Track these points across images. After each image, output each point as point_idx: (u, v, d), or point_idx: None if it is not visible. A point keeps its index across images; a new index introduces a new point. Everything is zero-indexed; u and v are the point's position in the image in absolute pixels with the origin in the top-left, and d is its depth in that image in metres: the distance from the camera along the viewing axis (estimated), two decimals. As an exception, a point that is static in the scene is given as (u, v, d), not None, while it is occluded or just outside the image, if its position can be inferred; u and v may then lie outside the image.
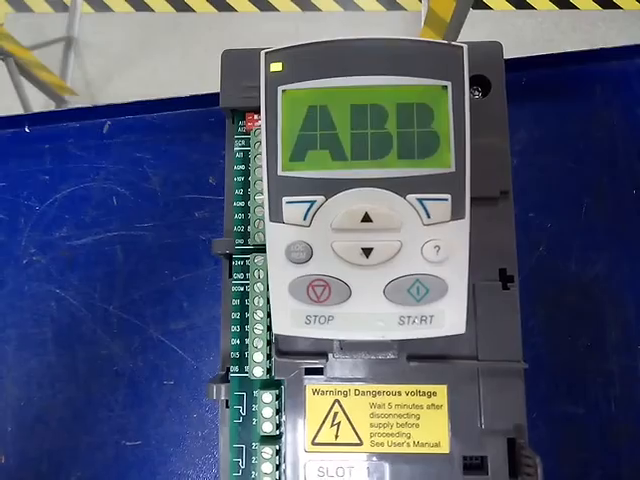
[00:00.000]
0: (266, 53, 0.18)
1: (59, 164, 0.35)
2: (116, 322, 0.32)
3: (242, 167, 0.23)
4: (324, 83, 0.18)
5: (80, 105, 0.35)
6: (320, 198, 0.18)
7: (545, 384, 0.29)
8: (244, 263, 0.22)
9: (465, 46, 0.18)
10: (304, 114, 0.18)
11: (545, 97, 0.33)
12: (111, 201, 0.33)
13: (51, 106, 1.00)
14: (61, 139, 0.35)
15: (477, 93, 0.22)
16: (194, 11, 1.07)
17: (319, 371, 0.21)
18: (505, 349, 0.20)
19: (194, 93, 0.33)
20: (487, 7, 1.03)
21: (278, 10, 1.05)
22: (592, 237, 0.30)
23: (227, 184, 0.23)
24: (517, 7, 1.02)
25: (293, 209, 0.18)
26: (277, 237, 0.18)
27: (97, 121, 0.35)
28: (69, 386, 0.31)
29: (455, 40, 0.18)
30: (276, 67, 0.18)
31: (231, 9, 1.07)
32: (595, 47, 0.32)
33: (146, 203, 0.33)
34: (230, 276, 0.22)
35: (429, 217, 0.18)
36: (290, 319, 0.18)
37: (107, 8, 1.10)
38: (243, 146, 0.23)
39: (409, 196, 0.18)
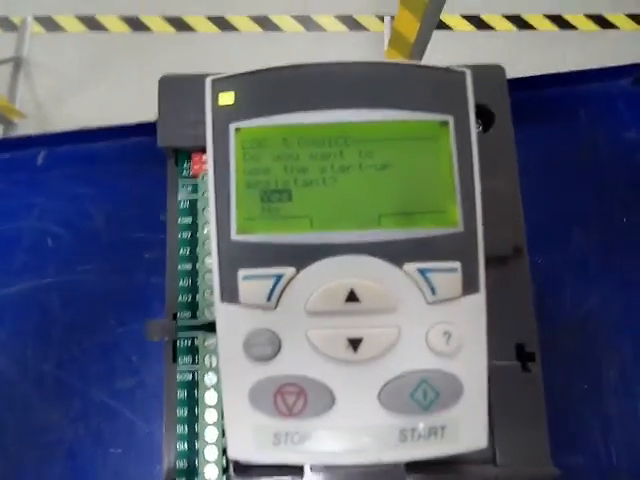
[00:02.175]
0: (213, 80, 0.14)
1: (-15, 201, 0.31)
2: (52, 384, 0.27)
3: (188, 220, 0.18)
4: (289, 119, 0.14)
5: (23, 131, 0.31)
6: (289, 270, 0.14)
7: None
8: (192, 343, 0.17)
9: (468, 71, 0.14)
10: (264, 159, 0.14)
11: (527, 121, 0.31)
12: (45, 243, 0.29)
13: (-2, 130, 0.94)
14: (-13, 173, 0.31)
15: (477, 127, 0.18)
16: (151, 31, 1.04)
17: None
18: (529, 450, 0.16)
19: (141, 119, 0.30)
20: (448, 27, 1.03)
21: (238, 30, 1.03)
22: (583, 270, 0.28)
23: (169, 241, 0.19)
24: (478, 28, 1.02)
25: (253, 286, 0.14)
26: (232, 324, 0.14)
27: (30, 151, 0.31)
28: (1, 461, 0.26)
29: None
30: (226, 99, 0.14)
31: (190, 29, 1.03)
32: (565, 68, 0.31)
33: (87, 244, 0.29)
34: (174, 360, 0.17)
35: (434, 293, 0.14)
36: (252, 439, 0.14)
37: (59, 28, 1.05)
38: (190, 193, 0.19)
39: (407, 265, 0.14)
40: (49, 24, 1.05)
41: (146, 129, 0.30)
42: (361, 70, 0.14)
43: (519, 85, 0.30)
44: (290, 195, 0.14)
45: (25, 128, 0.93)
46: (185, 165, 0.19)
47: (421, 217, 0.14)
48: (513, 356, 0.17)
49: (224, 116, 0.14)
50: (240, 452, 0.14)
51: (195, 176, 0.19)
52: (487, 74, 0.18)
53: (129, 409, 0.27)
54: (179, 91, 0.18)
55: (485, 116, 0.18)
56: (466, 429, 0.14)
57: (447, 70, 0.15)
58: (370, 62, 0.15)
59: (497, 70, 0.18)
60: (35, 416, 0.27)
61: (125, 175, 0.30)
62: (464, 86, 0.15)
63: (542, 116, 0.31)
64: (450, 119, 0.14)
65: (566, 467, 0.25)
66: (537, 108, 0.31)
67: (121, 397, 0.27)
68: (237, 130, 0.14)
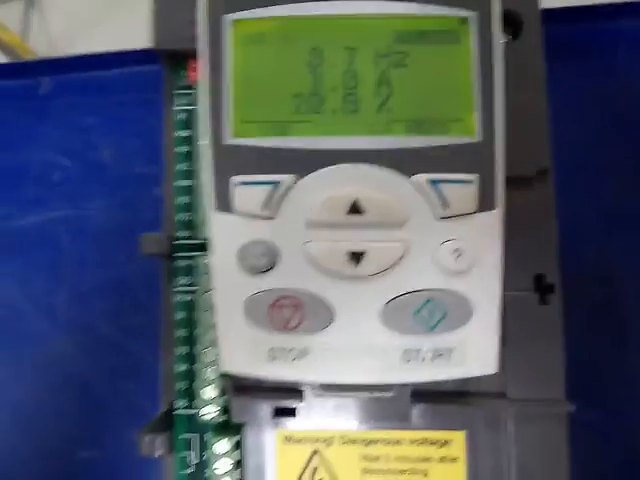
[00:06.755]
0: None
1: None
2: (64, 318, 0.27)
3: (185, 133, 0.17)
4: (292, 10, 0.13)
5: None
6: (288, 178, 0.13)
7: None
8: (190, 264, 0.16)
9: None
10: (263, 55, 0.13)
11: (562, 58, 0.28)
12: (52, 175, 0.28)
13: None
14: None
15: (504, 35, 0.16)
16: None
17: (292, 412, 0.16)
18: (543, 384, 0.15)
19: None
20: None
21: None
22: (613, 221, 0.26)
23: (166, 156, 0.17)
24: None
25: (249, 193, 0.13)
26: (225, 234, 0.13)
27: (36, 79, 0.30)
28: (18, 391, 0.27)
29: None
30: None
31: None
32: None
33: (94, 177, 0.28)
34: (169, 279, 0.17)
35: (446, 207, 0.13)
36: (246, 353, 0.13)
37: (72, -39, 1.01)
38: (186, 104, 0.17)
39: (417, 176, 0.13)
40: (62, -43, 1.02)
41: (157, 56, 0.28)
42: None
43: (553, 17, 0.28)
44: (291, 96, 0.13)
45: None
46: (181, 73, 0.17)
47: (435, 124, 0.13)
48: (532, 287, 0.16)
49: (219, 6, 0.13)
50: (233, 365, 0.14)
51: (192, 85, 0.17)
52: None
53: (138, 346, 0.27)
54: None
55: (514, 23, 0.16)
56: (475, 353, 0.13)
57: None
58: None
59: None
60: (47, 348, 0.27)
61: (134, 105, 0.29)
62: None
63: (572, 54, 0.28)
64: (472, 15, 0.13)
65: (585, 423, 0.24)
66: (566, 44, 0.28)
67: (129, 334, 0.27)
68: (234, 22, 0.13)
